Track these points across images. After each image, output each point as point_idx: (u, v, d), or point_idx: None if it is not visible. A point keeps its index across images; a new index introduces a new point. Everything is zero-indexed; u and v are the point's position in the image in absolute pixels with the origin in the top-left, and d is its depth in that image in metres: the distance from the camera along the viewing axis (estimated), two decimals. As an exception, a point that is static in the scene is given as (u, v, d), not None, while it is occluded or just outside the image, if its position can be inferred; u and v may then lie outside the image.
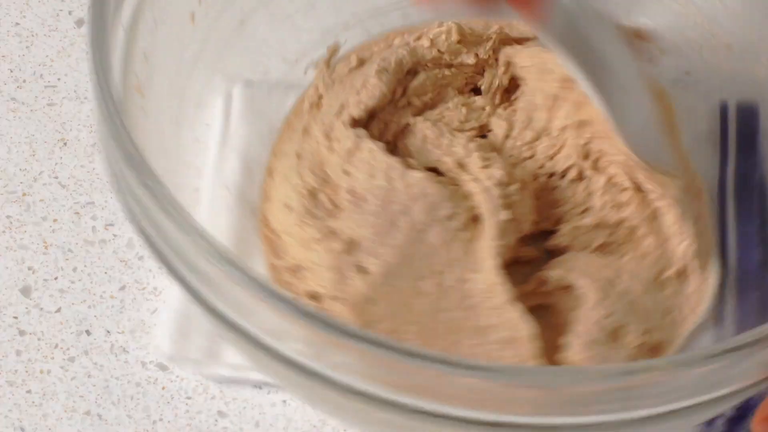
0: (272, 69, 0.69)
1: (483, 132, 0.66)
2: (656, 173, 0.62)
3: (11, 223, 0.66)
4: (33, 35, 0.72)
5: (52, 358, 0.62)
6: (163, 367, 0.62)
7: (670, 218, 0.62)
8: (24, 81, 0.71)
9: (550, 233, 0.63)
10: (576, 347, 0.58)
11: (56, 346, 0.63)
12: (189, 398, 0.62)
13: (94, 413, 0.61)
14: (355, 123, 0.64)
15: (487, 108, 0.66)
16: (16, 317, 0.63)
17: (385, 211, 0.61)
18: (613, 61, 0.60)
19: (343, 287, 0.60)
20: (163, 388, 0.62)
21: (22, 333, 0.63)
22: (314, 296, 0.61)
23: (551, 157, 0.64)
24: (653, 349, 0.60)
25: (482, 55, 0.67)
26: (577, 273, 0.60)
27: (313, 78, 0.68)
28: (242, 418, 0.61)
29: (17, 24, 0.73)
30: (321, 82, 0.68)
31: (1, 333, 0.63)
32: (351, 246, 0.61)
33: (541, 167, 0.64)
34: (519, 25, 0.69)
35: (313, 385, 0.49)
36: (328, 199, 0.62)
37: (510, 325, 0.59)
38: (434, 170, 0.63)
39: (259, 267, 0.63)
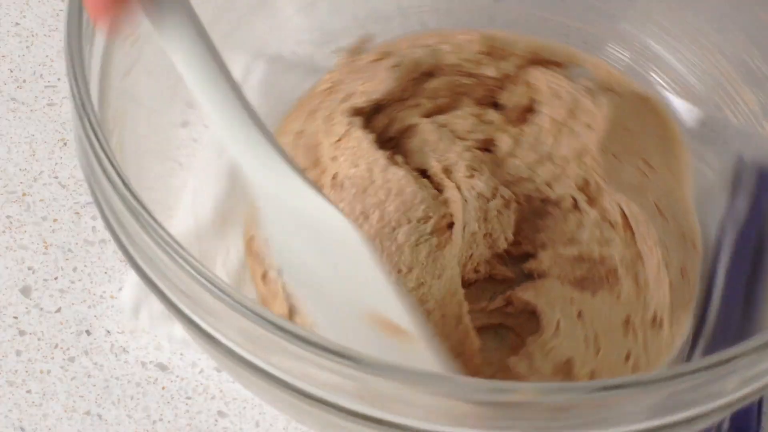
0: (297, 49, 0.69)
1: (488, 146, 0.65)
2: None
3: (11, 223, 0.66)
4: (33, 35, 0.72)
5: (52, 358, 0.62)
6: (163, 367, 0.62)
7: (652, 264, 0.61)
8: (24, 81, 0.71)
9: (530, 256, 0.63)
10: (519, 371, 0.58)
11: (56, 346, 0.63)
12: (189, 398, 0.62)
13: (94, 413, 0.61)
14: (358, 113, 0.64)
15: (497, 123, 0.66)
16: (16, 317, 0.63)
17: (360, 202, 0.61)
18: None
19: None
20: (163, 388, 0.62)
21: (22, 333, 0.63)
22: (280, 272, 0.61)
23: (549, 184, 0.64)
24: None
25: (506, 70, 0.67)
26: (543, 300, 0.60)
27: (334, 64, 0.68)
28: (242, 418, 0.61)
29: (17, 24, 0.73)
30: (341, 68, 0.67)
31: (1, 333, 0.63)
32: None
33: (537, 191, 0.64)
34: (554, 47, 0.68)
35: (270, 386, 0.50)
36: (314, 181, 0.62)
37: (458, 337, 0.58)
38: (424, 173, 0.63)
39: (237, 238, 0.63)
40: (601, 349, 0.59)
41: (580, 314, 0.60)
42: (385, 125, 0.65)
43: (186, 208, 0.63)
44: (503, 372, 0.58)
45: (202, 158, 0.65)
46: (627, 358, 0.60)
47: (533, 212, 0.63)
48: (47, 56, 0.72)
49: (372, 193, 0.61)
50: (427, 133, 0.64)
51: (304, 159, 0.63)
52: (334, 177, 0.62)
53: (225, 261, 0.63)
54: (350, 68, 0.67)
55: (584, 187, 0.63)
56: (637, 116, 0.66)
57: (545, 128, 0.65)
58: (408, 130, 0.65)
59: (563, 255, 0.62)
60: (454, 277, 0.59)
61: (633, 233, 0.62)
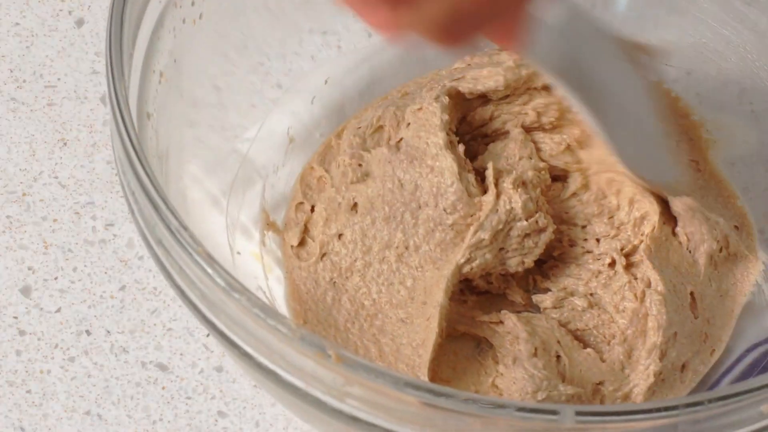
0: None
1: (562, 179, 0.65)
2: (662, 190, 0.62)
3: (11, 223, 0.66)
4: (33, 35, 0.72)
5: (52, 358, 0.62)
6: (163, 367, 0.62)
7: (648, 346, 0.60)
8: (24, 81, 0.71)
9: (548, 292, 0.62)
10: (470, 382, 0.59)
11: (56, 346, 0.63)
12: (189, 398, 0.62)
13: (94, 413, 0.61)
14: (454, 94, 0.64)
15: (585, 163, 0.65)
16: (16, 317, 0.63)
17: (404, 171, 0.62)
18: (609, 79, 0.59)
19: (331, 210, 0.63)
20: (163, 388, 0.62)
21: (22, 333, 0.63)
22: (308, 209, 0.64)
23: (598, 240, 0.63)
24: None
25: None
26: (527, 333, 0.59)
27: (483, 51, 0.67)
28: (242, 418, 0.61)
29: (17, 24, 0.73)
30: (484, 56, 0.66)
31: (1, 333, 0.63)
32: (363, 177, 0.63)
33: (584, 241, 0.63)
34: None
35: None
36: (386, 138, 0.64)
37: (426, 329, 0.59)
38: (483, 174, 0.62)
39: (298, 164, 0.66)
40: (557, 398, 0.58)
41: (558, 358, 0.59)
42: (485, 120, 0.65)
43: (271, 115, 0.66)
44: (457, 380, 0.59)
45: (305, 81, 0.67)
46: None
47: (570, 256, 0.63)
48: (47, 56, 0.72)
49: (417, 166, 0.62)
50: (512, 141, 0.63)
51: (392, 117, 0.65)
52: (399, 141, 0.63)
53: (275, 178, 0.65)
54: (491, 59, 0.66)
55: (630, 252, 0.62)
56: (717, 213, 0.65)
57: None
58: (502, 135, 0.65)
59: (576, 304, 0.62)
60: (450, 273, 0.59)
61: (647, 311, 0.61)
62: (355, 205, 0.63)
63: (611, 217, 0.63)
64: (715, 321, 0.62)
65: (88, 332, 0.63)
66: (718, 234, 0.63)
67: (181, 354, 0.63)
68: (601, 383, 0.59)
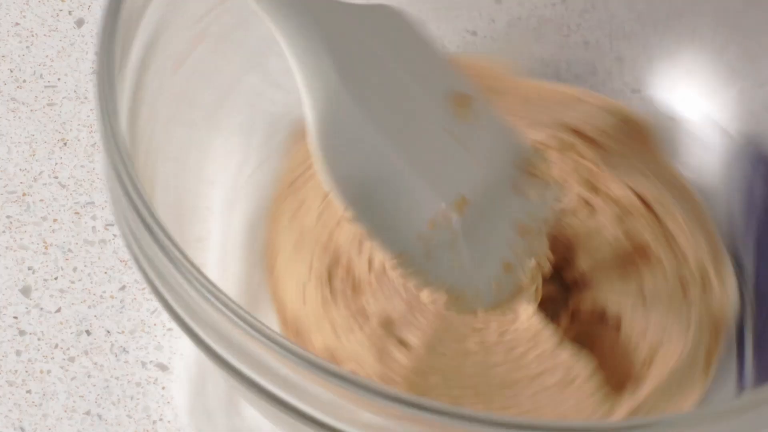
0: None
1: None
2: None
3: (11, 223, 0.66)
4: (33, 35, 0.72)
5: (52, 358, 0.62)
6: (163, 367, 0.62)
7: (683, 236, 0.60)
8: (24, 81, 0.71)
9: (565, 267, 0.61)
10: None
11: (56, 346, 0.63)
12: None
13: (94, 413, 0.61)
14: None
15: None
16: (16, 317, 0.64)
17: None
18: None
19: (387, 365, 0.57)
20: (163, 388, 0.62)
21: (22, 333, 0.63)
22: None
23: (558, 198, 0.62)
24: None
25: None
26: (606, 295, 0.58)
27: None
28: (242, 418, 0.61)
29: (17, 24, 0.73)
30: None
31: (1, 333, 0.63)
32: (387, 323, 0.58)
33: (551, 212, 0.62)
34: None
35: None
36: (346, 278, 0.59)
37: (563, 366, 0.57)
38: None
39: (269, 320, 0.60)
40: (668, 322, 0.58)
41: (644, 301, 0.59)
42: None
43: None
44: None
45: (224, 235, 0.62)
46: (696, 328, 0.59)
47: (558, 229, 0.61)
48: (47, 56, 0.72)
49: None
50: None
51: (327, 260, 0.59)
52: (370, 266, 0.59)
53: None
54: None
55: (586, 181, 0.62)
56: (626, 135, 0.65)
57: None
58: None
59: (596, 252, 0.60)
60: (532, 315, 0.57)
61: (656, 214, 0.61)
62: (403, 341, 0.57)
63: (523, 194, 0.60)
64: (690, 200, 0.63)
65: (88, 332, 0.63)
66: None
67: (182, 354, 0.63)
68: (684, 293, 0.59)
